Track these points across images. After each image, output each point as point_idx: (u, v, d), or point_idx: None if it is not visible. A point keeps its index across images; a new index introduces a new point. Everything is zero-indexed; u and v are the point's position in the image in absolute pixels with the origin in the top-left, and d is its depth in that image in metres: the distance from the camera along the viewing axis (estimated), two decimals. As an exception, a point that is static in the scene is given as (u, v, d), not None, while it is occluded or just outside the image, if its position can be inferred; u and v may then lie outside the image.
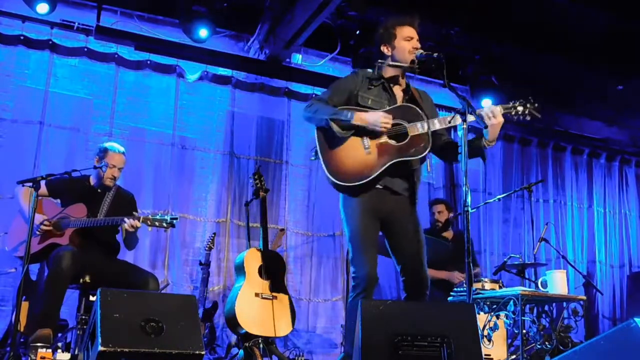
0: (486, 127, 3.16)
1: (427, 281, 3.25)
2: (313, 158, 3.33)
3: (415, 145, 3.22)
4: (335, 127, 3.20)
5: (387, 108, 3.30)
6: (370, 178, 3.17)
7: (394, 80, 3.40)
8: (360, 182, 3.17)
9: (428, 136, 3.23)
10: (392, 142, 3.23)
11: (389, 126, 3.17)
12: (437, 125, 3.22)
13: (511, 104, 3.30)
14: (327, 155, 3.24)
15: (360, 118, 3.18)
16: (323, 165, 3.23)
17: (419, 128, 3.22)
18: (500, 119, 3.15)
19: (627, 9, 5.83)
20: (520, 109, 3.28)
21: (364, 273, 3.13)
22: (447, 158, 3.55)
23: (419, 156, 3.23)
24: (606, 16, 6.08)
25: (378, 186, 3.22)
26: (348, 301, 3.24)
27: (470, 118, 3.13)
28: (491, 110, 3.15)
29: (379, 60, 3.40)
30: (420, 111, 3.29)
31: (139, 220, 4.02)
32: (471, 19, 6.07)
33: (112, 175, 4.30)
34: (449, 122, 3.21)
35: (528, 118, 3.30)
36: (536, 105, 3.30)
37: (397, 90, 3.41)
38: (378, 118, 3.17)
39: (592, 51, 6.44)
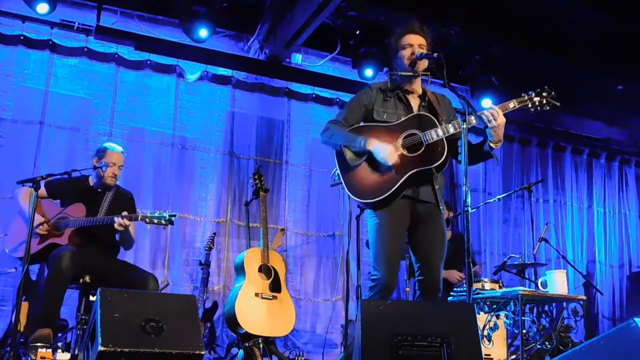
0: (486, 127, 3.14)
1: (439, 286, 3.29)
2: (336, 179, 3.40)
3: (432, 154, 3.23)
4: (348, 155, 3.27)
5: (401, 120, 3.32)
6: (390, 192, 3.19)
7: (408, 89, 3.41)
8: (381, 198, 3.20)
9: (443, 142, 3.22)
10: (409, 153, 3.25)
11: (392, 163, 3.18)
12: (451, 130, 3.21)
13: (526, 96, 3.25)
14: (347, 176, 3.31)
15: (372, 148, 3.21)
16: (345, 186, 3.30)
17: (433, 136, 3.22)
18: (502, 120, 3.10)
19: (626, 9, 5.83)
20: (537, 99, 3.24)
21: (381, 276, 3.17)
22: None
23: (436, 164, 3.22)
24: (606, 16, 6.08)
25: (402, 197, 3.24)
26: (360, 299, 3.25)
27: (472, 120, 3.12)
28: (491, 113, 3.10)
29: (391, 73, 3.44)
30: (434, 118, 3.29)
31: (132, 219, 4.02)
32: (471, 19, 6.08)
33: (113, 173, 4.31)
34: (462, 126, 3.19)
35: (547, 108, 3.24)
36: (553, 93, 3.26)
37: (413, 99, 3.42)
38: (386, 156, 3.18)
39: (592, 51, 6.45)
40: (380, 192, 3.21)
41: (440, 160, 3.21)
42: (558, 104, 3.26)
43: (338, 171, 3.35)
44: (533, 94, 3.25)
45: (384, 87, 3.42)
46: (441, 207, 3.32)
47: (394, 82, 3.42)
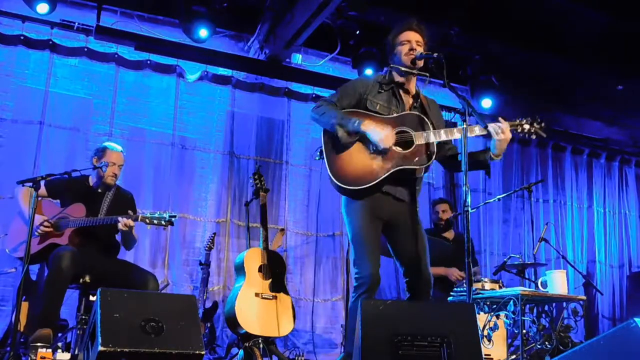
0: (486, 126, 3.19)
1: (431, 282, 3.28)
2: (317, 158, 3.38)
3: (420, 154, 3.24)
4: (340, 133, 3.23)
5: (396, 115, 3.32)
6: (373, 183, 3.19)
7: (403, 86, 3.42)
8: (363, 187, 3.20)
9: (433, 146, 3.26)
10: (398, 149, 3.25)
11: (387, 146, 3.18)
12: (443, 136, 3.25)
13: (517, 121, 3.35)
14: (331, 158, 3.28)
15: (367, 127, 3.19)
16: (327, 168, 3.27)
17: (424, 137, 3.24)
18: (509, 135, 3.20)
19: (626, 9, 5.83)
20: (526, 127, 3.34)
21: (367, 273, 3.15)
22: (450, 167, 3.60)
23: (423, 165, 3.25)
24: (606, 16, 6.08)
25: (381, 192, 3.24)
26: (350, 301, 3.25)
27: (475, 129, 3.16)
28: (499, 126, 3.19)
29: (390, 65, 3.45)
30: (427, 120, 3.32)
31: (133, 219, 4.02)
32: (471, 19, 6.08)
33: (113, 172, 4.31)
34: (455, 134, 3.23)
35: (533, 137, 3.36)
36: (542, 125, 3.35)
37: (406, 97, 3.43)
38: (382, 138, 3.16)
39: (592, 51, 6.45)
40: (362, 182, 3.20)
41: (427, 164, 3.25)
42: (544, 135, 3.37)
43: (323, 150, 3.30)
44: (524, 121, 3.35)
45: (381, 80, 3.44)
46: (417, 208, 3.34)
47: (390, 76, 3.43)
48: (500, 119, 3.27)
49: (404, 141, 3.26)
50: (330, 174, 3.25)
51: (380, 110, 3.33)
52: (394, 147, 3.23)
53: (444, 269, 5.38)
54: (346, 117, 3.25)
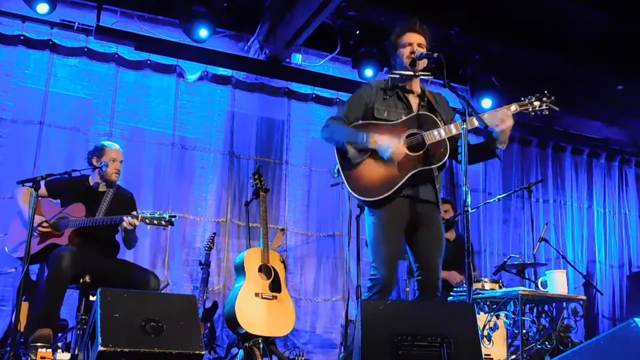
0: (486, 127, 3.18)
1: (438, 286, 3.29)
2: (335, 176, 3.39)
3: (434, 153, 3.25)
4: (351, 152, 3.25)
5: (404, 118, 3.33)
6: (392, 191, 3.20)
7: (407, 88, 3.42)
8: (383, 196, 3.20)
9: (445, 143, 3.26)
10: (411, 152, 3.26)
11: (398, 160, 3.19)
12: (453, 130, 3.24)
13: (526, 100, 3.31)
14: (348, 173, 3.29)
15: (375, 142, 3.20)
16: (346, 184, 3.28)
17: (435, 135, 3.24)
18: (510, 123, 3.17)
19: (626, 9, 5.83)
20: (536, 104, 3.30)
21: (382, 276, 3.16)
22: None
23: (438, 164, 3.25)
24: (606, 16, 6.08)
25: (402, 196, 3.25)
26: (360, 299, 3.25)
27: (474, 121, 3.14)
28: (498, 117, 3.16)
29: (391, 71, 3.45)
30: (435, 118, 3.32)
31: (137, 219, 4.02)
32: (471, 19, 6.08)
33: (115, 169, 4.33)
34: (464, 127, 3.22)
35: (546, 112, 3.31)
36: (552, 98, 3.32)
37: (412, 98, 3.43)
38: (391, 155, 3.17)
39: (592, 51, 6.45)
40: (382, 191, 3.21)
41: (443, 160, 3.25)
42: (557, 108, 3.32)
43: (339, 166, 3.32)
44: (533, 98, 3.31)
45: (384, 86, 3.44)
46: (440, 207, 3.35)
47: (393, 81, 3.43)
48: (504, 106, 3.25)
49: (416, 143, 3.27)
50: (349, 189, 3.25)
51: (388, 116, 3.34)
52: (407, 152, 3.24)
53: (445, 272, 5.37)
54: (354, 134, 3.26)
